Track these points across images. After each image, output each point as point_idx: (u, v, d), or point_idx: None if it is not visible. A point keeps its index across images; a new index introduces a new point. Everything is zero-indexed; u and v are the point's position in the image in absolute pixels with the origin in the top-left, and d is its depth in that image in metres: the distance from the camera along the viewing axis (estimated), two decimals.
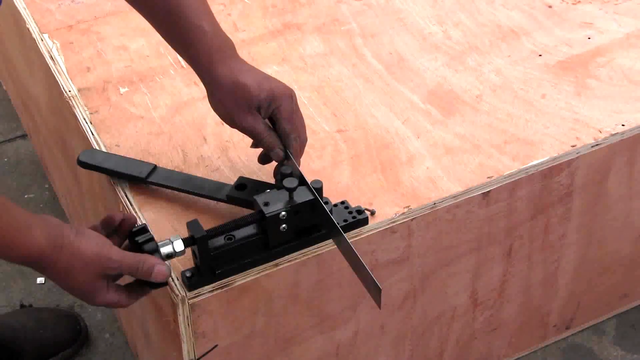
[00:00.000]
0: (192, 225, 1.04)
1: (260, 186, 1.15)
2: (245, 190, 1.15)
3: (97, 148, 1.26)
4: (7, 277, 1.75)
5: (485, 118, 1.32)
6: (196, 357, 1.13)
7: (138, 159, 1.23)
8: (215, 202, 1.17)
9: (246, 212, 1.14)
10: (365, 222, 1.15)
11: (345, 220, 1.14)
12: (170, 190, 1.19)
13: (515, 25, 1.51)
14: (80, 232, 0.98)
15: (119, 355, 1.61)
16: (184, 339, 1.10)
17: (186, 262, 1.10)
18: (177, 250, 1.03)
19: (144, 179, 1.19)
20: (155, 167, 1.20)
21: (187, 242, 1.04)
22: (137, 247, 1.04)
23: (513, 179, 1.23)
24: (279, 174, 1.11)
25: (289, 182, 1.07)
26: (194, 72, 1.39)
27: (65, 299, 1.70)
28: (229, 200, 1.15)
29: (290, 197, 1.08)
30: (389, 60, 1.43)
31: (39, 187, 1.95)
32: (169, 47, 1.43)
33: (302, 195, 1.08)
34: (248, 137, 1.28)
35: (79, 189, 1.53)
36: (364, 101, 1.35)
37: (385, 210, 1.17)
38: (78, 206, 1.62)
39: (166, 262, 1.04)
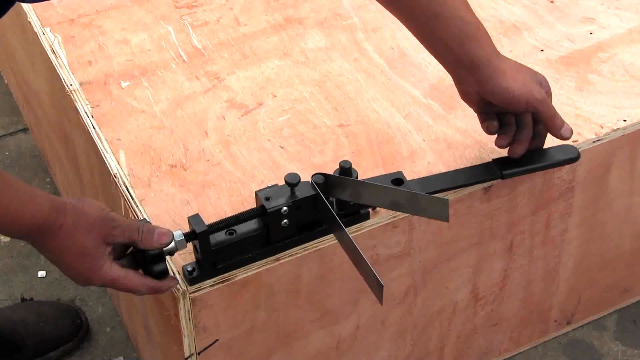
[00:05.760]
0: (193, 220, 1.04)
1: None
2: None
3: (99, 142, 1.26)
4: (8, 271, 1.75)
5: None
6: (197, 352, 1.13)
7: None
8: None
9: None
10: (366, 216, 1.15)
11: (346, 215, 1.14)
12: (171, 185, 1.20)
13: (517, 20, 1.50)
14: (81, 199, 1.00)
15: (119, 349, 1.61)
16: (184, 333, 1.11)
17: (187, 256, 1.10)
18: (179, 245, 1.03)
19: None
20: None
21: (188, 236, 1.04)
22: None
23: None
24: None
25: (291, 178, 1.07)
26: (195, 66, 1.40)
27: (66, 293, 1.70)
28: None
29: (292, 192, 1.08)
30: (390, 55, 1.43)
31: (40, 181, 1.95)
32: (170, 41, 1.45)
33: (304, 191, 1.08)
34: (249, 132, 1.28)
35: (81, 183, 1.53)
36: (366, 96, 1.35)
37: None
38: None
39: (167, 257, 1.05)
